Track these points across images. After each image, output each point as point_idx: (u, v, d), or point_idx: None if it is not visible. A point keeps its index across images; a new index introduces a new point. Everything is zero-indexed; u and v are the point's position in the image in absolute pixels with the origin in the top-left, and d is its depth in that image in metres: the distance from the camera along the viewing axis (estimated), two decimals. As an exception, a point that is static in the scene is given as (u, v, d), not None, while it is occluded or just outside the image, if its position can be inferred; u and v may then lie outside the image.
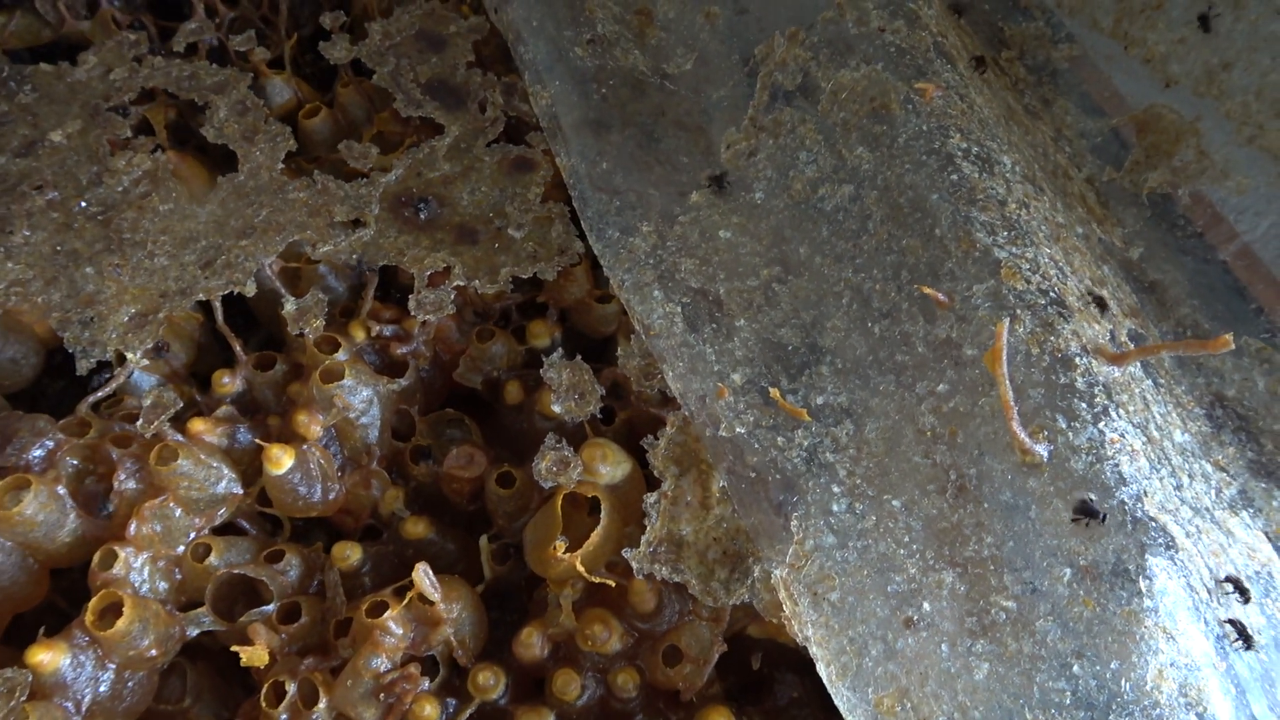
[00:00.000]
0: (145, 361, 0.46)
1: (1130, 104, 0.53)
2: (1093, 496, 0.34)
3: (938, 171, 0.43)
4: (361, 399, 0.47)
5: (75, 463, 0.44)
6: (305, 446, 0.45)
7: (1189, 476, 0.39)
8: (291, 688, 0.41)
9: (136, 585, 0.42)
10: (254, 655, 0.40)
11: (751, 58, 0.52)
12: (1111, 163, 0.52)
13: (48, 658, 0.38)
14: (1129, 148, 0.52)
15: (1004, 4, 0.59)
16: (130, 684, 0.41)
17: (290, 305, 0.47)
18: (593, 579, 0.40)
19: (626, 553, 0.40)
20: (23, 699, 0.36)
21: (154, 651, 0.41)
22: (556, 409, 0.45)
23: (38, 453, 0.43)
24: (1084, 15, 0.56)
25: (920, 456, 0.38)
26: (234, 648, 0.40)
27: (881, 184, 0.44)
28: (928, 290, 0.40)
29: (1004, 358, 0.36)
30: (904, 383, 0.40)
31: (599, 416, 0.47)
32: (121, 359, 0.47)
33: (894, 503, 0.38)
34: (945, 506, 0.37)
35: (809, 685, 0.46)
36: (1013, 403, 0.36)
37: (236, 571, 0.44)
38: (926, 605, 0.35)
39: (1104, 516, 0.33)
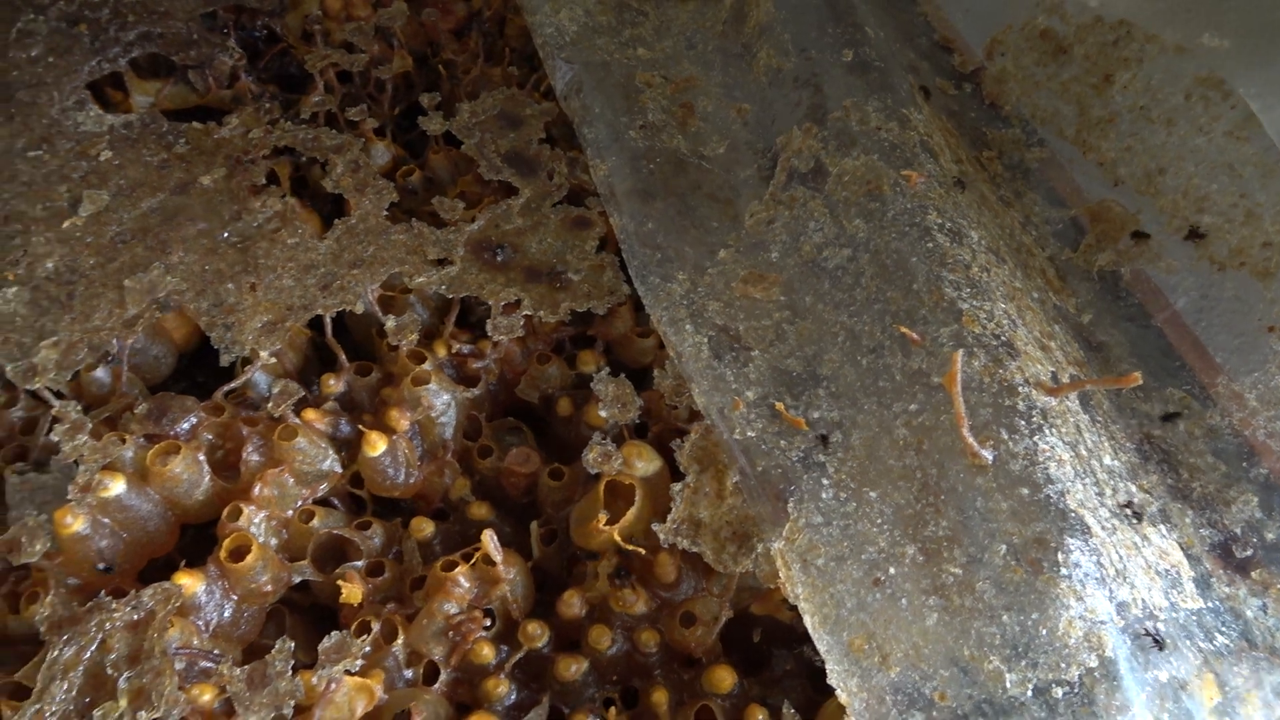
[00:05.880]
0: (272, 360, 0.57)
1: (1086, 198, 0.64)
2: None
3: (917, 240, 0.54)
4: (442, 401, 0.57)
5: (210, 437, 0.55)
6: (395, 436, 0.56)
7: (1112, 490, 0.49)
8: (375, 626, 0.50)
9: (255, 536, 0.52)
10: (351, 592, 0.50)
11: (773, 146, 0.64)
12: (1069, 245, 0.63)
13: (189, 582, 0.48)
14: (1084, 233, 0.63)
15: (987, 113, 0.71)
16: (245, 615, 0.51)
17: (391, 322, 0.58)
18: (627, 547, 0.50)
19: (655, 527, 0.50)
20: (176, 606, 0.46)
21: (269, 588, 0.50)
22: (603, 414, 0.55)
23: (185, 426, 0.54)
24: (1052, 125, 0.68)
25: (894, 459, 0.48)
26: (339, 582, 0.50)
27: (873, 249, 0.55)
28: (905, 330, 0.50)
29: (958, 380, 0.46)
30: (884, 403, 0.50)
31: (636, 424, 0.57)
32: (246, 361, 0.58)
33: (871, 494, 0.47)
34: (911, 497, 0.47)
35: (800, 659, 0.54)
36: (965, 416, 0.46)
37: (335, 533, 0.54)
38: (892, 570, 0.45)
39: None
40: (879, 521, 0.46)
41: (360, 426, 0.55)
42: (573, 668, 0.50)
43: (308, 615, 0.56)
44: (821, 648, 0.44)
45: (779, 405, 0.51)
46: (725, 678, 0.50)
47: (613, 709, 0.49)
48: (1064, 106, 0.68)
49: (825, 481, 0.48)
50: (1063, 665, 0.41)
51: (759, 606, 0.53)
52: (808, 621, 0.45)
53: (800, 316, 0.55)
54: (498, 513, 0.58)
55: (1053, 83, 0.69)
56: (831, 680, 0.43)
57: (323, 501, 0.57)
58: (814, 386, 0.52)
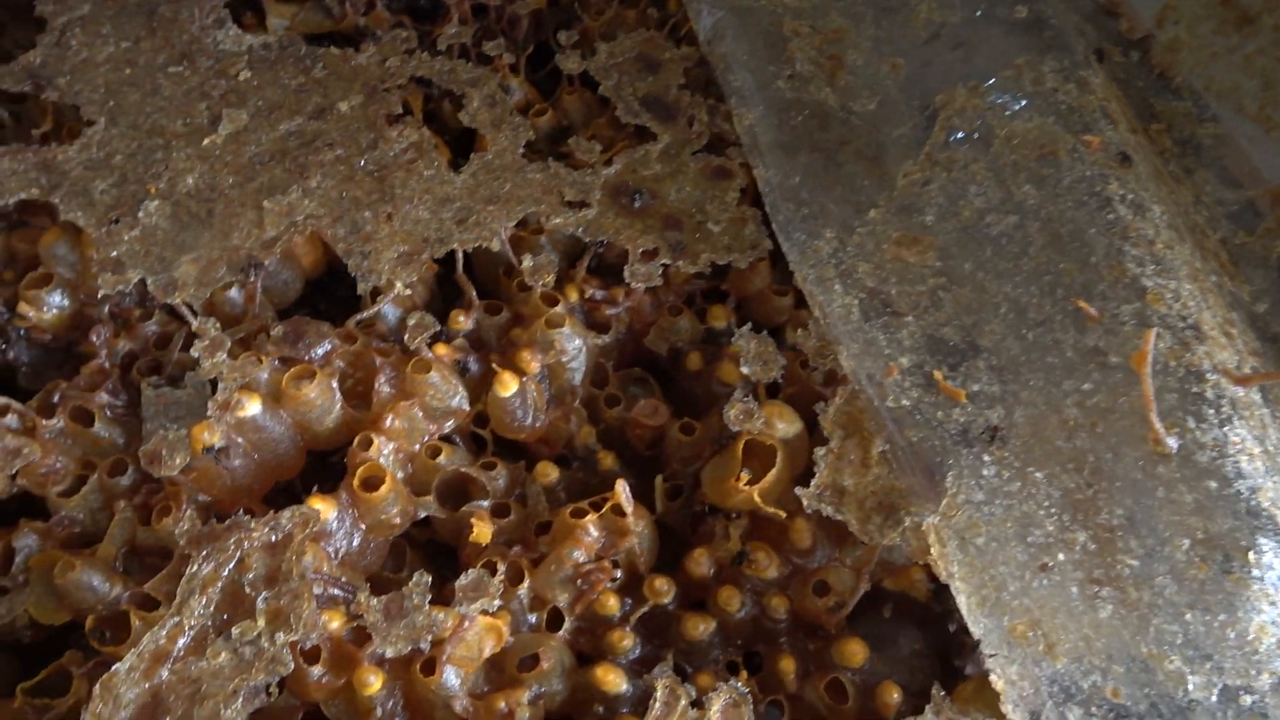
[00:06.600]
0: (406, 292, 0.56)
1: (1267, 179, 0.60)
2: None
3: (1097, 210, 0.51)
4: (574, 346, 0.56)
5: (342, 365, 0.54)
6: (525, 378, 0.54)
7: (1297, 492, 0.45)
8: (502, 568, 0.49)
9: (386, 467, 0.51)
10: (482, 531, 0.49)
11: (930, 104, 0.61)
12: (1244, 228, 0.59)
13: (323, 508, 0.48)
14: (1262, 216, 0.58)
15: (1156, 84, 0.66)
16: (372, 546, 0.50)
17: (527, 262, 0.57)
18: (766, 509, 0.48)
19: (799, 491, 0.48)
20: (315, 529, 0.45)
21: (397, 520, 0.50)
22: (744, 371, 0.53)
23: (319, 351, 0.53)
24: (1230, 99, 0.63)
25: (1063, 440, 0.45)
26: (472, 519, 0.49)
27: (1044, 217, 0.52)
28: (1082, 304, 0.47)
29: (1149, 360, 0.43)
30: (1052, 380, 0.47)
31: (770, 384, 0.55)
32: (377, 291, 0.57)
33: (1037, 474, 0.45)
34: (1082, 482, 0.44)
35: (929, 639, 0.52)
36: (1153, 398, 0.43)
37: (461, 470, 0.53)
38: (1061, 555, 0.42)
39: None
40: (1046, 504, 0.44)
41: (493, 365, 0.54)
42: (700, 627, 0.49)
43: (425, 551, 0.56)
44: (977, 630, 0.42)
45: (937, 374, 0.48)
46: (857, 651, 0.48)
47: (743, 672, 0.48)
48: (1246, 80, 0.63)
49: (987, 458, 0.46)
50: (1252, 672, 0.38)
51: (892, 582, 0.51)
52: (962, 602, 0.43)
53: (958, 284, 0.52)
54: (620, 463, 0.56)
55: (1234, 55, 0.64)
56: (989, 665, 0.41)
57: (445, 439, 0.56)
58: (973, 358, 0.49)
